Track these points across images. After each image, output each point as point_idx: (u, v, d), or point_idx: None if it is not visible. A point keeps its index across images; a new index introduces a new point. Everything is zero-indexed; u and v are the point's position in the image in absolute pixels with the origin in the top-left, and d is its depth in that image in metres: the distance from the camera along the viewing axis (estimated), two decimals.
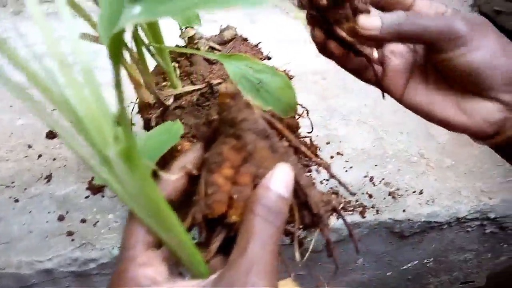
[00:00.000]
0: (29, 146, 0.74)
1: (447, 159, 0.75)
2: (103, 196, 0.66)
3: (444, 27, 0.32)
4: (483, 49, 0.32)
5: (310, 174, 0.42)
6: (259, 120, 0.26)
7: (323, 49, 0.36)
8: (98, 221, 0.62)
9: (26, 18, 1.20)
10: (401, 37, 0.33)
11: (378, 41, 0.36)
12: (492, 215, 0.70)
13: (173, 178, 0.27)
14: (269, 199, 0.24)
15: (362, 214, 0.65)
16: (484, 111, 0.35)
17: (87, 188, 0.67)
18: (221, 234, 0.26)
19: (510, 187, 0.71)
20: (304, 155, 0.29)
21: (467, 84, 0.34)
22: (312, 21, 0.35)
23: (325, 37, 0.35)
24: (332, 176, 0.30)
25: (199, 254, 0.26)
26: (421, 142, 0.78)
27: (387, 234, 0.69)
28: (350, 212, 0.64)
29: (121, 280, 0.24)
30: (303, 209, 0.27)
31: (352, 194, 0.62)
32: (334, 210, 0.28)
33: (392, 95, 0.39)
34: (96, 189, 0.66)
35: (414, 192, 0.70)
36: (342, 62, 0.38)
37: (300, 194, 0.27)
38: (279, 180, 0.24)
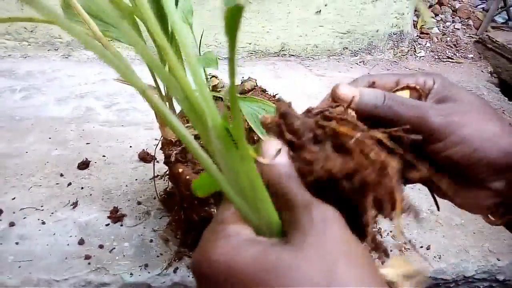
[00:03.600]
0: (61, 175, 0.81)
1: (456, 218, 0.76)
2: (121, 226, 0.70)
3: (416, 119, 0.31)
4: (463, 144, 0.31)
5: None
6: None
7: None
8: (114, 248, 0.65)
9: (73, 61, 1.33)
10: (376, 119, 0.31)
11: (359, 115, 0.33)
12: (501, 277, 0.69)
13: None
14: (277, 174, 0.25)
15: None
16: (475, 199, 0.33)
17: (109, 217, 0.71)
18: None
19: None
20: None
21: (453, 175, 0.33)
22: None
23: None
24: None
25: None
26: (432, 198, 0.80)
27: None
28: None
29: (212, 234, 0.25)
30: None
31: None
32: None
33: None
34: (116, 218, 0.71)
35: (421, 247, 0.71)
36: None
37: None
38: (269, 155, 0.26)
